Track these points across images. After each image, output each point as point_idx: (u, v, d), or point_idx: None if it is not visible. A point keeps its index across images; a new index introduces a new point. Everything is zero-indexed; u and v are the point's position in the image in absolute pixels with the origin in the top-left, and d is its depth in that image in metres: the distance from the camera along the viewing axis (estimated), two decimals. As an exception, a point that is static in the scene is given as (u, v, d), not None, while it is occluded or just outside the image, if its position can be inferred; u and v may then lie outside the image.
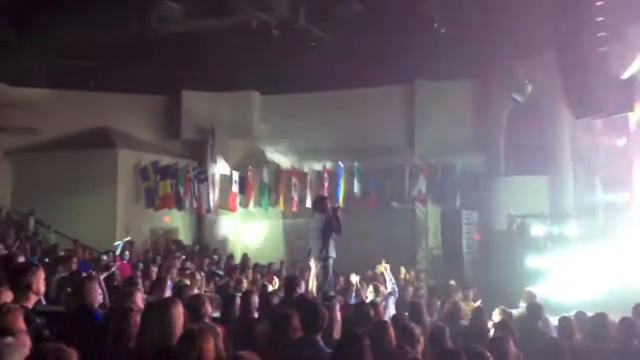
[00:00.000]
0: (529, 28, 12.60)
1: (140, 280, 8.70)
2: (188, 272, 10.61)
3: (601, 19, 9.95)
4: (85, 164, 17.32)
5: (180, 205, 19.25)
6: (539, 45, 12.70)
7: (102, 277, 8.29)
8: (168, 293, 6.58)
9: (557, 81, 9.90)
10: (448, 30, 14.13)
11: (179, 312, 3.94)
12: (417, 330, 5.14)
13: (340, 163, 19.52)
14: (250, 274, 13.30)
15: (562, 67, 9.80)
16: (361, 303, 7.32)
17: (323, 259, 9.62)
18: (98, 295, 5.36)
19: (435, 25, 14.03)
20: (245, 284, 10.95)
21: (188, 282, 8.65)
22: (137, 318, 3.72)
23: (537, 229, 14.99)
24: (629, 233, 14.28)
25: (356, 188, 19.33)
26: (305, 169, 19.98)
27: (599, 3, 9.99)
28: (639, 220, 14.66)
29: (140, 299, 4.13)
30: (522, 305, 8.62)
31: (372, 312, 6.65)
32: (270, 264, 15.63)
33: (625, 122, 14.24)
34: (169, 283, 7.05)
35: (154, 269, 11.09)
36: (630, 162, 14.81)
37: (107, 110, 19.09)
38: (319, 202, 10.22)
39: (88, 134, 18.58)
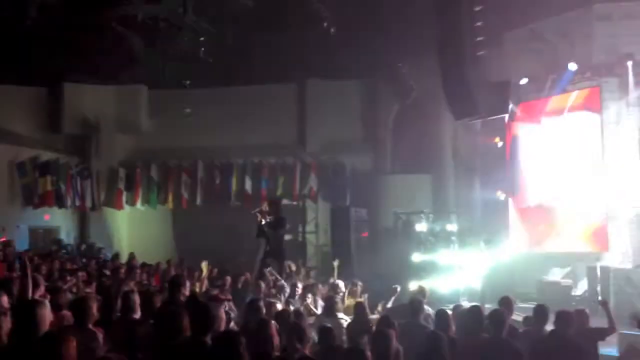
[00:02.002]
0: (413, 30, 13.05)
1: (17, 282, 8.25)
2: (67, 273, 10.18)
3: (479, 23, 10.46)
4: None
5: (61, 203, 18.37)
6: (423, 47, 13.18)
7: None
8: (38, 294, 6.29)
9: (439, 83, 10.36)
10: (337, 30, 14.36)
11: (44, 314, 3.79)
12: (307, 328, 5.19)
13: (231, 160, 19.41)
14: (137, 274, 12.90)
15: (442, 69, 10.21)
16: (254, 300, 7.32)
17: None
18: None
19: (325, 24, 14.22)
20: (130, 285, 10.62)
21: (63, 284, 8.29)
22: (1, 320, 3.54)
23: (421, 226, 15.51)
24: (504, 229, 15.17)
25: (247, 185, 19.28)
26: (196, 166, 19.67)
27: (477, 8, 10.48)
28: (512, 216, 15.61)
29: (6, 302, 3.93)
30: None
31: (263, 309, 6.66)
32: (158, 264, 15.26)
33: (502, 124, 15.10)
34: (41, 284, 6.73)
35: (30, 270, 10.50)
36: (505, 162, 15.70)
37: (-19, 102, 17.94)
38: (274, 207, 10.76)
39: (-41, 126, 17.38)
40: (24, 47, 15.75)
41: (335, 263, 13.09)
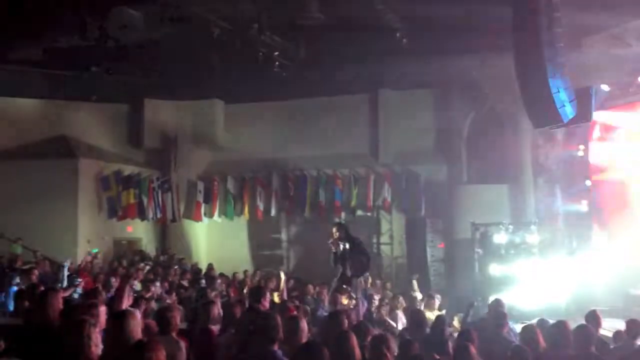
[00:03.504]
0: (489, 39, 12.78)
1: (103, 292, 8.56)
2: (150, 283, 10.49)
3: (559, 30, 10.14)
4: (45, 173, 16.97)
5: (143, 215, 18.98)
6: (498, 54, 12.89)
7: (66, 294, 8.11)
8: (127, 304, 6.48)
9: (517, 91, 10.08)
10: (410, 40, 14.24)
11: (135, 323, 3.90)
12: (392, 339, 5.12)
13: (305, 171, 19.56)
14: (217, 284, 13.16)
15: (520, 76, 9.93)
16: (336, 312, 7.27)
17: None
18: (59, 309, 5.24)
19: (398, 34, 14.12)
20: (212, 295, 10.82)
21: (147, 294, 8.53)
22: (92, 331, 3.66)
23: (500, 237, 15.13)
24: (588, 241, 14.59)
25: (321, 196, 19.35)
26: (271, 178, 19.91)
27: (557, 14, 10.17)
28: (597, 228, 15.00)
29: (103, 312, 4.09)
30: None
31: (345, 321, 6.60)
32: (234, 274, 15.53)
33: (584, 131, 14.57)
34: (128, 294, 6.93)
35: (115, 281, 10.89)
36: (588, 171, 15.14)
37: (67, 118, 18.80)
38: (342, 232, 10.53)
39: (48, 143, 18.23)
40: (108, 65, 16.37)
41: (415, 278, 12.98)
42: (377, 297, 11.80)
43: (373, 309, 10.29)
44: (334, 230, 10.46)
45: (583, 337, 5.84)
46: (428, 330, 7.22)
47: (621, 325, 7.46)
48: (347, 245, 10.12)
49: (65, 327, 3.66)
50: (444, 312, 10.36)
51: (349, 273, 10.06)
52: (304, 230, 19.93)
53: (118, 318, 4.01)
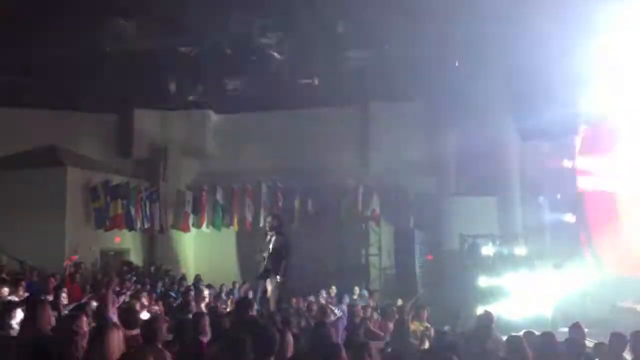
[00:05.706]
0: (479, 52, 12.93)
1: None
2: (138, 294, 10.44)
3: (548, 46, 10.29)
4: (33, 182, 16.83)
5: (131, 226, 18.86)
6: (489, 68, 13.04)
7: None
8: (113, 315, 6.46)
9: (505, 104, 10.17)
10: (400, 53, 14.37)
11: (116, 337, 3.88)
12: (375, 350, 5.13)
13: (294, 182, 19.56)
14: (206, 295, 13.09)
15: (509, 91, 10.07)
16: (319, 324, 7.26)
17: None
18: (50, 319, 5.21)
19: (387, 47, 14.26)
20: (197, 306, 10.76)
21: (138, 305, 8.49)
22: (82, 343, 3.64)
23: (488, 249, 15.21)
24: (575, 252, 14.69)
25: (310, 207, 19.35)
26: (260, 189, 19.90)
27: (547, 31, 10.32)
28: (585, 239, 15.11)
29: (85, 324, 4.06)
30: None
31: (331, 334, 6.60)
32: (222, 285, 15.48)
33: (571, 144, 14.71)
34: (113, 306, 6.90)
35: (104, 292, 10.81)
36: (575, 184, 15.26)
37: (56, 128, 18.68)
38: (276, 221, 10.26)
39: (36, 152, 18.11)
40: (98, 75, 16.37)
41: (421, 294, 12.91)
42: (362, 309, 11.78)
43: (358, 320, 10.26)
44: (270, 219, 10.49)
45: (574, 349, 5.87)
46: (413, 340, 7.23)
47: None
48: (273, 238, 10.07)
49: (58, 339, 3.65)
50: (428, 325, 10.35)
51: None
52: (292, 241, 19.85)
53: (99, 332, 3.99)
